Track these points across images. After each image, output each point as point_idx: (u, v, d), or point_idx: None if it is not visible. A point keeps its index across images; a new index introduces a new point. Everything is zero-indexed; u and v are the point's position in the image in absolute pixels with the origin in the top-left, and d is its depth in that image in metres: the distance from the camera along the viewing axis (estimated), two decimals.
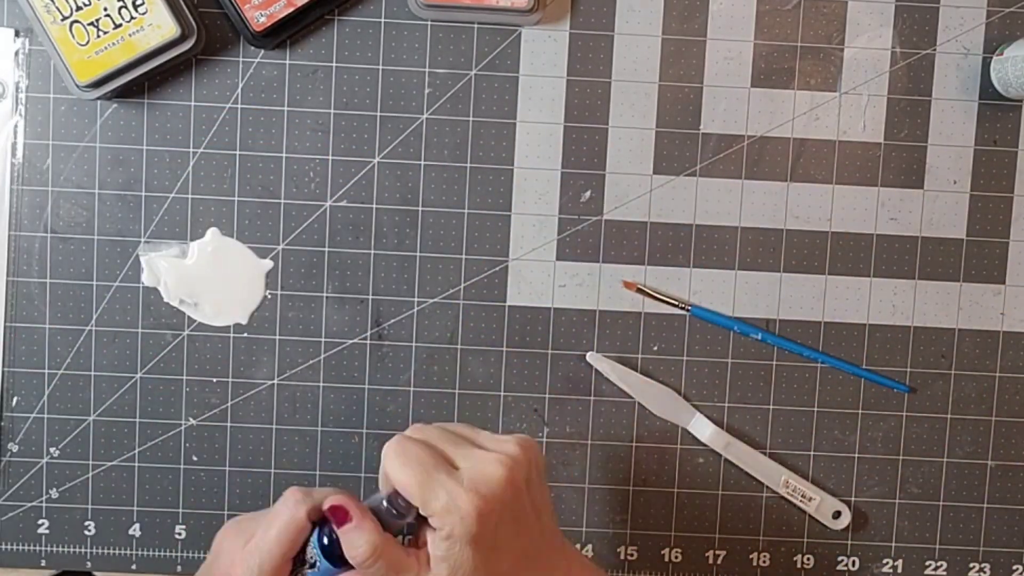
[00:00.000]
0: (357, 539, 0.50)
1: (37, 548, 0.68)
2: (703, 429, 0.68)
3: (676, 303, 0.68)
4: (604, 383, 0.68)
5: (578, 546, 0.69)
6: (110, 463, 0.68)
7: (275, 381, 0.68)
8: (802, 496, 0.68)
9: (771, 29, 0.67)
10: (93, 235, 0.67)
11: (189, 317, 0.67)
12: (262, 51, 0.67)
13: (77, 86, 0.62)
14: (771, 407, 0.69)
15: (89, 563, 0.68)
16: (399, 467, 0.50)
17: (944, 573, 0.70)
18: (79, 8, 0.61)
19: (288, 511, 0.52)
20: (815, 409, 0.69)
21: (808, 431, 0.69)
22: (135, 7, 0.62)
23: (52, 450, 0.68)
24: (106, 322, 0.67)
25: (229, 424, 0.68)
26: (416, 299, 0.68)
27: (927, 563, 0.70)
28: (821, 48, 0.67)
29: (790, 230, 0.68)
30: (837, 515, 0.68)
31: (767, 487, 0.69)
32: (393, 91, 0.67)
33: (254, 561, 0.51)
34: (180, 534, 0.68)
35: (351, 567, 0.51)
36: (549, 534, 0.54)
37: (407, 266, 0.68)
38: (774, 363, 0.69)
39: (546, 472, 0.59)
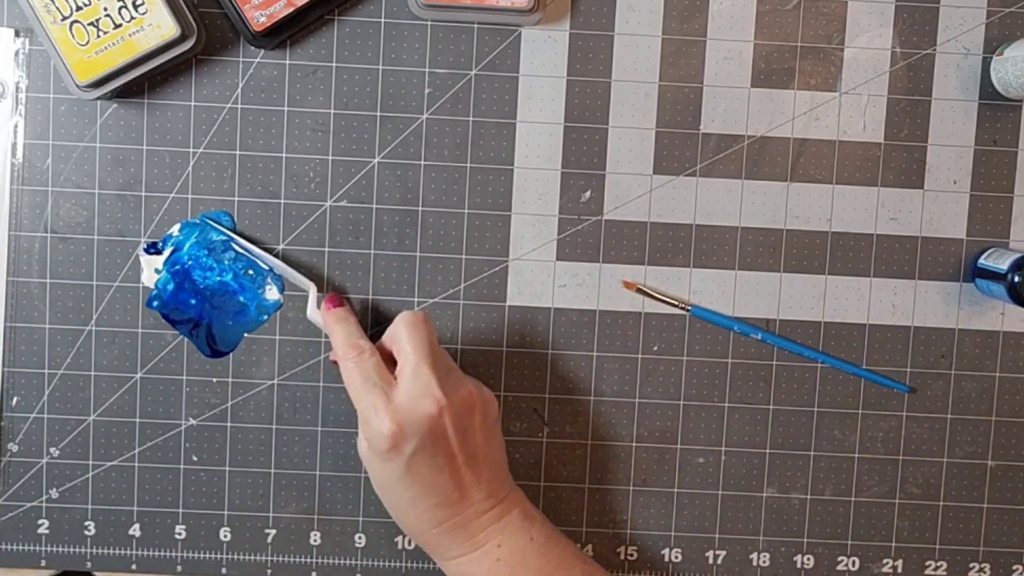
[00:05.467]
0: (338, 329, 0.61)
1: (37, 548, 0.68)
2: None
3: (676, 303, 0.68)
4: (604, 383, 0.68)
5: (578, 546, 0.69)
6: (110, 463, 0.68)
7: (275, 381, 0.68)
8: None
9: (771, 29, 0.67)
10: (93, 235, 0.67)
11: None
12: (262, 51, 0.67)
13: (77, 86, 0.62)
14: (771, 407, 0.69)
15: (89, 563, 0.68)
16: (350, 368, 0.59)
17: (944, 573, 0.70)
18: (79, 8, 0.61)
19: None
20: (815, 409, 0.69)
21: (808, 431, 0.69)
22: (135, 7, 0.62)
23: (52, 450, 0.68)
24: (106, 322, 0.67)
25: (229, 424, 0.68)
26: (416, 299, 0.68)
27: (927, 563, 0.70)
28: (821, 48, 0.67)
29: (790, 230, 0.68)
30: None
31: (767, 487, 0.69)
32: (393, 91, 0.67)
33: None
34: (180, 534, 0.68)
35: None
36: (485, 483, 0.60)
37: (407, 266, 0.68)
38: (774, 363, 0.69)
39: (497, 425, 0.62)
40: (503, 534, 0.60)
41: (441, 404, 0.57)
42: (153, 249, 0.66)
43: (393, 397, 0.58)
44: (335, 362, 0.62)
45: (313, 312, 0.65)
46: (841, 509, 0.69)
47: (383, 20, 0.67)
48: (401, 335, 0.59)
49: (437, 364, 0.59)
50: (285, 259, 0.67)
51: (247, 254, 0.66)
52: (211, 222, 0.66)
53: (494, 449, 0.61)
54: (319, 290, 0.66)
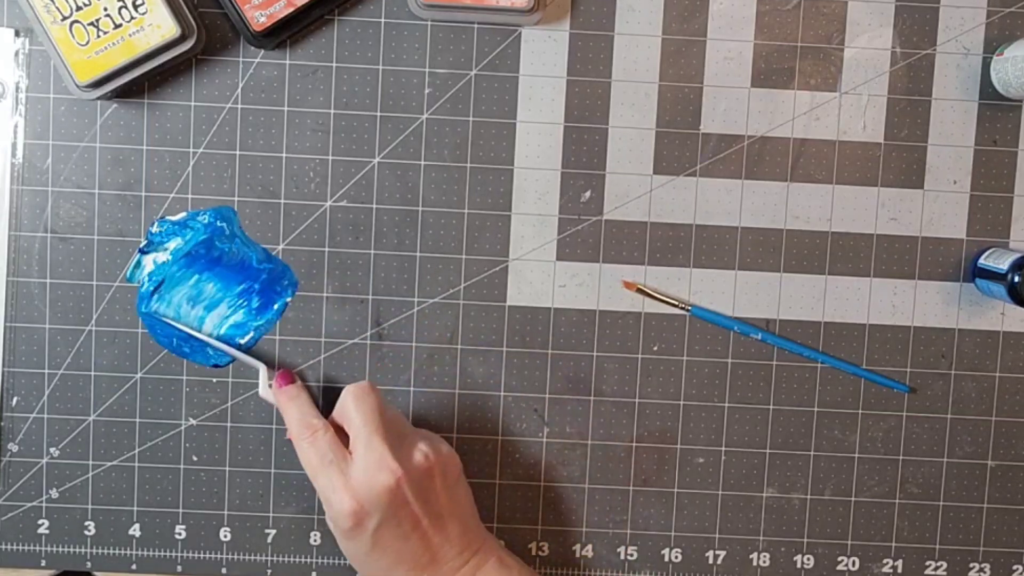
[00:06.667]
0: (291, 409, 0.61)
1: (37, 548, 0.68)
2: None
3: (676, 303, 0.68)
4: (604, 383, 0.68)
5: (578, 546, 0.69)
6: (110, 463, 0.68)
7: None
8: None
9: (771, 29, 0.67)
10: (93, 235, 0.67)
11: None
12: (262, 51, 0.67)
13: (77, 86, 0.62)
14: (771, 407, 0.69)
15: (89, 563, 0.68)
16: (305, 448, 0.59)
17: (944, 573, 0.70)
18: (79, 8, 0.61)
19: None
20: (815, 409, 0.69)
21: (808, 431, 0.69)
22: (135, 7, 0.62)
23: (52, 450, 0.68)
24: (106, 322, 0.67)
25: (229, 424, 0.68)
26: (416, 299, 0.68)
27: (927, 563, 0.70)
28: (821, 48, 0.67)
29: (790, 230, 0.68)
30: None
31: (767, 487, 0.69)
32: (393, 91, 0.67)
33: None
34: (180, 534, 0.68)
35: None
36: (456, 539, 0.60)
37: (407, 266, 0.68)
38: (774, 363, 0.69)
39: (460, 479, 0.62)
40: None
41: (397, 475, 0.57)
42: (151, 247, 0.67)
43: (350, 474, 0.58)
44: (291, 439, 0.61)
45: (265, 390, 0.65)
46: (841, 509, 0.69)
47: (383, 20, 0.67)
48: (349, 409, 0.59)
49: (389, 433, 0.59)
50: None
51: (195, 335, 0.66)
52: (160, 318, 0.66)
53: (460, 504, 0.61)
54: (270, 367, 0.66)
